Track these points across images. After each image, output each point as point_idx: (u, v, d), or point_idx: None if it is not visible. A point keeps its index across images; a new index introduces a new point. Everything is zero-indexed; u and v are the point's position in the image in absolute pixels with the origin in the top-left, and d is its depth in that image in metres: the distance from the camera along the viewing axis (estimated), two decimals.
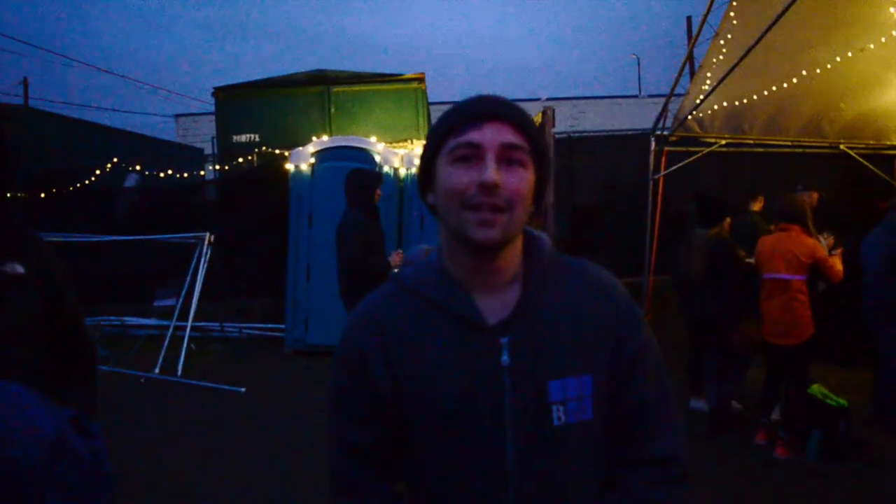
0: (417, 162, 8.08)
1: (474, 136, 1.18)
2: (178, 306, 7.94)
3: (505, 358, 1.21)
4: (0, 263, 1.57)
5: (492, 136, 1.18)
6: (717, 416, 5.43)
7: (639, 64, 29.70)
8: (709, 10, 6.24)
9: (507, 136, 1.19)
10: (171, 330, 7.85)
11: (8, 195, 1.75)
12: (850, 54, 6.45)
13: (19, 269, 1.59)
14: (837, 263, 5.03)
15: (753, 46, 5.61)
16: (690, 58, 9.49)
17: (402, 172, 8.30)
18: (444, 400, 1.22)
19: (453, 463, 1.24)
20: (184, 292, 7.95)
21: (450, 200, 1.20)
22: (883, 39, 6.28)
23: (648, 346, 1.33)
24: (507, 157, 1.18)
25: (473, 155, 1.18)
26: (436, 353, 1.23)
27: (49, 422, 1.15)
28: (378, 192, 5.49)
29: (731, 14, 5.96)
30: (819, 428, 4.84)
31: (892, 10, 5.85)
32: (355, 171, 5.69)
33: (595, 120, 20.39)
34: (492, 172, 1.15)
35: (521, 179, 1.19)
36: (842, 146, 8.26)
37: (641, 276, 8.26)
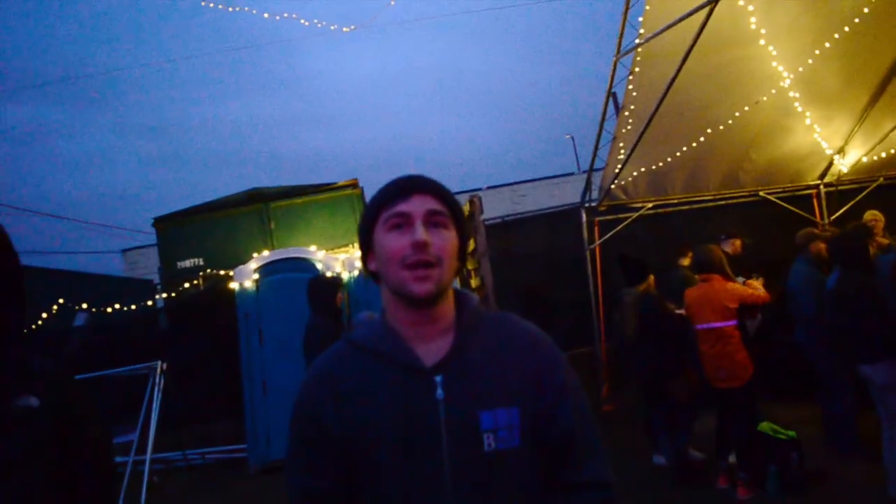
0: (359, 264, 8.28)
1: (403, 206, 1.45)
2: (136, 440, 7.79)
3: (440, 392, 1.41)
4: (13, 396, 1.56)
5: (418, 205, 1.45)
6: (678, 467, 5.50)
7: (574, 143, 30.66)
8: (611, 85, 6.62)
9: (430, 204, 1.46)
10: (129, 465, 7.67)
11: (24, 329, 1.74)
12: (746, 108, 6.88)
13: (33, 401, 1.58)
14: (758, 288, 5.31)
15: (652, 117, 5.96)
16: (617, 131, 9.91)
17: (346, 276, 8.41)
18: (388, 434, 1.39)
19: (398, 493, 1.38)
20: (139, 425, 7.81)
21: (389, 261, 1.44)
22: (773, 91, 6.73)
23: (570, 382, 1.51)
24: (432, 221, 1.45)
25: (405, 222, 1.44)
26: (380, 395, 1.42)
27: None
28: (340, 295, 5.61)
29: (630, 87, 6.33)
30: (774, 463, 4.95)
31: (773, 64, 6.29)
32: (315, 278, 5.83)
33: (536, 201, 20.87)
34: (421, 233, 1.41)
35: (446, 238, 1.46)
36: (761, 193, 8.68)
37: (593, 346, 8.42)
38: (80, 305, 11.15)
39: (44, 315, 10.75)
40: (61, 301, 10.90)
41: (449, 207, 1.49)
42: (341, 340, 1.57)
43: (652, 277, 5.65)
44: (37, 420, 1.59)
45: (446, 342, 1.48)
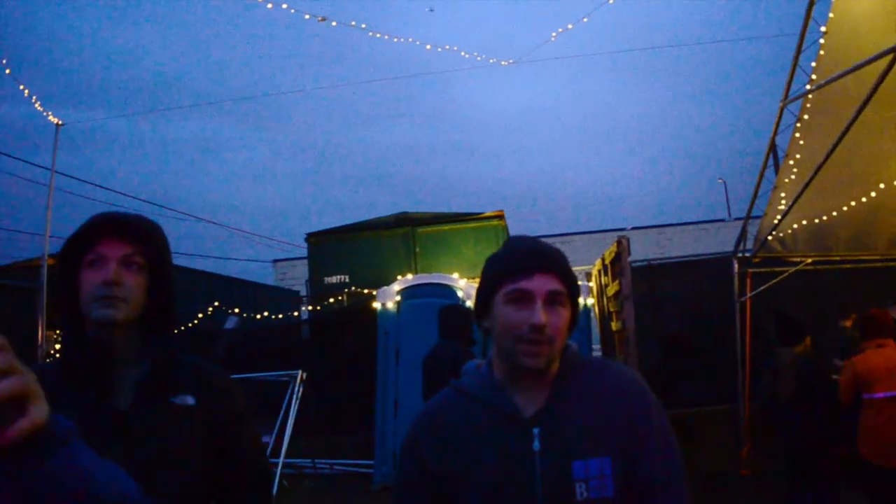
0: None
1: (526, 284, 1.48)
2: (271, 443, 8.13)
3: (536, 444, 1.46)
4: (172, 395, 1.68)
5: (540, 284, 1.48)
6: None
7: (725, 188, 29.53)
8: (775, 131, 6.36)
9: (552, 284, 1.49)
10: None
11: (175, 331, 1.86)
12: None
13: (190, 400, 1.70)
14: None
15: (821, 167, 5.63)
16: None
17: None
18: (484, 479, 1.46)
19: None
20: (276, 429, 8.14)
21: (505, 333, 1.49)
22: None
23: (659, 428, 1.51)
24: (551, 300, 1.49)
25: (525, 298, 1.48)
26: (480, 441, 1.50)
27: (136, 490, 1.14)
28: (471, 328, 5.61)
29: (797, 135, 6.04)
30: None
31: None
32: (452, 307, 5.86)
33: (682, 246, 20.25)
34: (540, 316, 1.45)
35: (561, 317, 1.50)
36: None
37: (736, 403, 8.00)
38: (232, 310, 11.83)
39: (199, 315, 11.46)
40: (216, 304, 11.60)
41: (568, 287, 1.52)
42: (449, 387, 1.67)
43: (809, 339, 5.30)
44: (193, 418, 1.69)
45: (544, 392, 1.53)
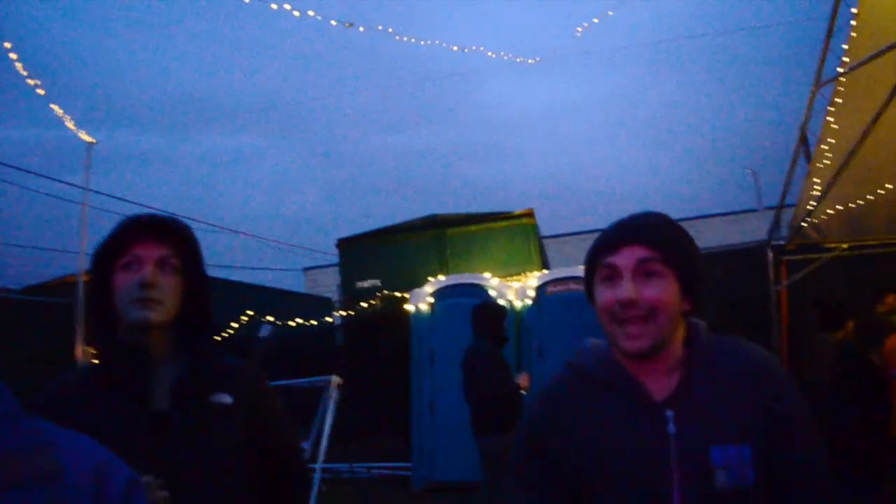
0: (531, 293, 8.27)
1: (612, 259, 1.40)
2: (309, 449, 8.15)
3: (671, 427, 1.37)
4: (209, 395, 1.67)
5: (626, 257, 1.38)
6: None
7: (755, 178, 29.12)
8: (808, 117, 6.26)
9: (640, 253, 1.39)
10: None
11: (212, 331, 1.84)
12: None
13: (227, 399, 1.68)
14: None
15: (854, 151, 5.53)
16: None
17: (518, 304, 8.42)
18: (618, 466, 1.37)
19: None
20: (313, 435, 8.16)
21: (601, 314, 1.41)
22: None
23: (797, 412, 1.41)
24: (643, 270, 1.38)
25: (614, 274, 1.38)
26: (609, 427, 1.41)
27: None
28: (504, 325, 5.63)
29: (830, 119, 5.93)
30: None
31: None
32: (484, 304, 5.87)
33: (714, 237, 20.02)
34: (627, 290, 1.36)
35: (660, 289, 1.38)
36: None
37: None
38: (265, 318, 11.89)
39: (234, 325, 11.54)
40: (250, 313, 11.68)
41: (664, 252, 1.40)
42: (566, 367, 1.57)
43: (851, 324, 5.21)
44: (232, 417, 1.68)
45: (674, 374, 1.43)
